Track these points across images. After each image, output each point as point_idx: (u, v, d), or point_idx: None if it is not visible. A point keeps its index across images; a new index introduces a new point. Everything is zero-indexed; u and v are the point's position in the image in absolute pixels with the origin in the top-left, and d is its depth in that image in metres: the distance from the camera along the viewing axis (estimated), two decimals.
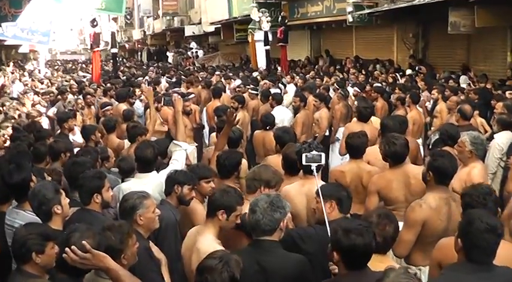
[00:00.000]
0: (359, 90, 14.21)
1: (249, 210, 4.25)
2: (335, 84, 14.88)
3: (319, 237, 4.53)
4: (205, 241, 4.45)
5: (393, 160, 6.12)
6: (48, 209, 4.79)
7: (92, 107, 13.68)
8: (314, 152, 4.95)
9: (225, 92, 15.36)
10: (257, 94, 14.26)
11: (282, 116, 11.55)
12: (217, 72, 23.10)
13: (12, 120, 10.50)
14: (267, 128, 9.09)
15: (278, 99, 12.37)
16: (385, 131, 7.25)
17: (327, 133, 11.52)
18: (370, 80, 17.63)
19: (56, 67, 41.51)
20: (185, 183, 5.43)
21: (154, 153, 6.40)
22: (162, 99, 7.90)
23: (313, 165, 4.85)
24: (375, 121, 9.55)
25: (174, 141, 6.90)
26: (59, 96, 14.97)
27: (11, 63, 32.29)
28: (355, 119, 9.75)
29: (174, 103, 7.37)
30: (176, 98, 7.45)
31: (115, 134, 9.70)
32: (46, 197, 4.79)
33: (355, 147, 6.72)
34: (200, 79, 19.49)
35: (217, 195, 4.65)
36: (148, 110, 10.29)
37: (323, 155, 4.94)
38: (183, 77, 21.22)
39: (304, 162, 4.88)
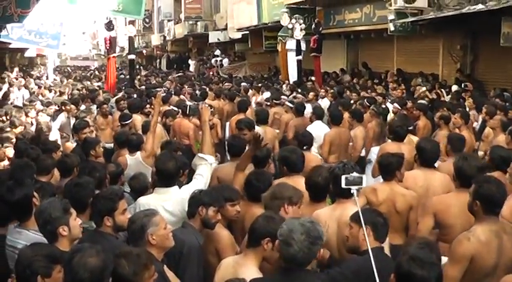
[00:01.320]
0: (399, 107, 14.17)
1: (282, 242, 4.14)
2: (365, 100, 14.88)
3: (364, 270, 4.38)
4: (249, 273, 4.46)
5: (462, 181, 6.05)
6: (53, 229, 4.78)
7: (110, 117, 13.86)
8: (355, 174, 4.92)
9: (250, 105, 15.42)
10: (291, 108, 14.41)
11: (319, 132, 11.27)
12: (243, 84, 23.23)
13: (15, 130, 10.65)
14: (304, 148, 8.89)
15: (319, 114, 12.34)
16: (422, 155, 7.30)
17: (363, 153, 11.46)
18: (412, 96, 17.55)
19: (65, 74, 41.85)
20: (211, 204, 5.50)
21: (177, 166, 6.46)
22: (188, 108, 7.90)
23: (354, 189, 4.85)
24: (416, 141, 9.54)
25: (199, 154, 6.88)
26: (63, 107, 14.81)
27: (16, 69, 32.26)
28: (389, 140, 9.79)
29: (200, 112, 7.37)
30: (203, 107, 7.47)
31: (127, 149, 9.77)
32: (52, 216, 4.77)
33: (386, 168, 6.76)
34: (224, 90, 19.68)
35: (261, 222, 4.65)
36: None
37: (364, 177, 4.91)
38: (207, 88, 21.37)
39: (343, 185, 4.85)
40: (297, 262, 4.11)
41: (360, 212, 4.60)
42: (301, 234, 4.09)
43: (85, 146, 8.92)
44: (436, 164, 7.54)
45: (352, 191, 4.76)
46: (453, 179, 6.31)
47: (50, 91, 22.29)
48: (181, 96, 18.27)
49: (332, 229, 5.48)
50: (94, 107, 15.51)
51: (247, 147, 7.47)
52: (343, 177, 4.81)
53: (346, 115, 12.34)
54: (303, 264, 4.14)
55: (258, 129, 10.14)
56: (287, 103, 14.85)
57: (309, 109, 14.06)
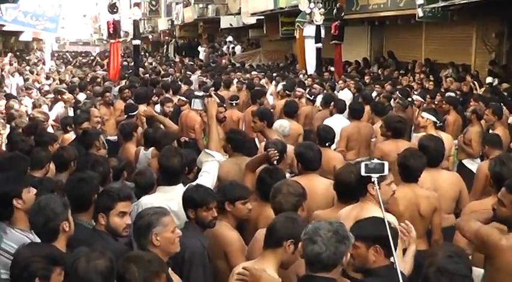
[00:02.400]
0: (421, 100, 14.16)
1: (307, 240, 4.11)
2: (397, 92, 14.80)
3: None
4: (267, 277, 4.47)
5: (497, 184, 5.99)
6: (56, 225, 4.80)
7: (111, 107, 13.89)
8: (376, 160, 4.90)
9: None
10: (311, 100, 14.47)
11: (339, 127, 10.98)
12: (254, 72, 23.22)
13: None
14: (326, 144, 8.85)
15: (340, 107, 12.25)
16: (426, 154, 7.09)
17: None
18: (441, 89, 17.52)
19: (64, 60, 41.85)
20: (197, 206, 5.51)
21: (182, 163, 6.50)
22: (193, 101, 7.86)
23: (374, 177, 4.80)
24: (446, 138, 9.50)
25: (206, 150, 6.95)
26: (59, 96, 14.70)
27: (10, 54, 31.97)
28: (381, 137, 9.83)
29: (207, 106, 7.42)
30: (210, 100, 7.45)
31: (133, 142, 9.86)
32: (55, 212, 4.80)
33: (409, 169, 6.69)
34: (236, 80, 19.75)
35: (284, 223, 4.64)
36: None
37: (386, 164, 4.88)
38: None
39: (363, 172, 4.81)
40: (322, 263, 4.05)
41: (383, 211, 4.55)
42: (328, 231, 4.07)
43: (86, 138, 8.89)
44: (472, 164, 7.49)
45: (372, 180, 4.79)
46: (490, 184, 6.31)
47: (48, 78, 22.30)
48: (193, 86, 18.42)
49: None
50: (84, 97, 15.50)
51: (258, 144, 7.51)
52: (362, 164, 4.86)
53: (368, 109, 12.41)
54: (328, 267, 4.08)
55: (284, 122, 10.20)
56: (306, 95, 14.92)
57: (319, 101, 14.16)
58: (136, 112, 12.09)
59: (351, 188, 5.94)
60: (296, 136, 10.75)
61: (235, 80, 19.78)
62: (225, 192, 5.87)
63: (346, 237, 4.09)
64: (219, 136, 7.52)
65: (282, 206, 5.40)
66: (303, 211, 5.49)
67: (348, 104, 12.51)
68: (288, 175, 7.98)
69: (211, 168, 6.71)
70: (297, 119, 12.40)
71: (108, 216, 5.18)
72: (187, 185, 5.99)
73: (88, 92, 16.91)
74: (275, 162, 6.78)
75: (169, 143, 8.55)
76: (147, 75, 23.09)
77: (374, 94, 16.14)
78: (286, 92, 15.53)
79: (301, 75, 21.91)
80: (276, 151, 6.75)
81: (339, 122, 11.49)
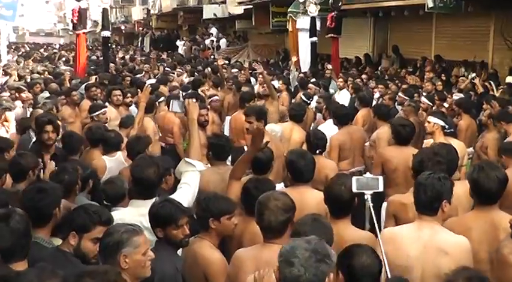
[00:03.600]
0: (429, 103, 13.97)
1: (283, 262, 4.02)
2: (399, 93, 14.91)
3: None
4: None
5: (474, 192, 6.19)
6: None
7: (77, 108, 13.70)
8: (368, 175, 4.92)
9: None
10: (309, 103, 14.45)
11: (334, 132, 11.13)
12: (234, 70, 22.97)
13: None
14: (317, 151, 8.99)
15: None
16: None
17: None
18: (453, 89, 17.52)
19: (23, 53, 41.61)
20: (166, 224, 5.53)
21: (159, 174, 6.51)
22: (171, 102, 7.90)
23: (368, 193, 4.82)
24: (457, 145, 9.51)
25: (186, 158, 6.88)
26: (17, 94, 14.56)
27: None
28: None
29: (187, 109, 7.41)
30: (190, 103, 7.44)
31: (101, 148, 9.71)
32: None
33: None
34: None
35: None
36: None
37: (380, 178, 4.89)
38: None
39: (354, 189, 4.85)
40: None
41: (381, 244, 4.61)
42: (305, 251, 3.98)
43: (71, 141, 9.01)
44: None
45: (366, 197, 4.85)
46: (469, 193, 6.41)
47: (5, 74, 22.14)
48: (174, 83, 18.41)
49: (416, 254, 5.46)
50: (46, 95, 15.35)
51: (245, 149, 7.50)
52: (353, 179, 4.87)
53: (363, 112, 12.49)
54: None
55: (275, 127, 10.33)
56: (302, 97, 15.01)
57: (313, 104, 14.20)
58: (99, 112, 11.82)
59: (342, 203, 5.98)
60: (300, 144, 10.69)
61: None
62: (208, 206, 5.87)
63: (327, 256, 4.01)
64: (200, 143, 7.52)
65: (271, 224, 5.31)
66: (292, 226, 5.40)
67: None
68: (280, 186, 8.01)
69: (192, 179, 6.66)
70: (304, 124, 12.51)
71: (80, 238, 5.17)
72: (154, 201, 6.02)
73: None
74: (262, 169, 6.86)
75: (143, 149, 8.52)
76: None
77: (377, 95, 16.23)
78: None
79: (293, 73, 21.93)
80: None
81: (333, 128, 11.42)
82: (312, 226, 5.03)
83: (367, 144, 11.30)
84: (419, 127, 11.52)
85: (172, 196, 6.31)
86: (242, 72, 21.40)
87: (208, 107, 12.82)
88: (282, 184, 8.96)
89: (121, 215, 6.22)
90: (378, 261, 4.43)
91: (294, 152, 7.75)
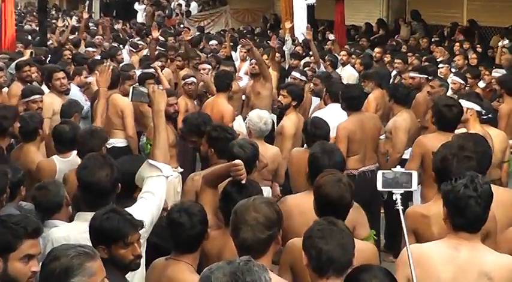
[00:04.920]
0: (461, 81, 14.13)
1: None
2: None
3: None
4: None
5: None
6: None
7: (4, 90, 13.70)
8: (398, 169, 4.86)
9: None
10: (306, 82, 14.87)
11: (337, 120, 11.18)
12: (212, 41, 23.31)
13: None
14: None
15: (336, 93, 12.01)
16: None
17: (407, 155, 11.09)
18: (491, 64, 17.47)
19: None
20: (116, 239, 5.56)
21: (113, 178, 6.40)
22: (132, 90, 7.66)
23: (397, 193, 4.83)
24: (496, 136, 9.41)
25: (149, 160, 6.74)
26: None
27: None
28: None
29: (151, 97, 7.24)
30: (156, 90, 7.31)
31: (37, 144, 9.77)
32: None
33: (446, 173, 6.51)
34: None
35: None
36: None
37: (414, 174, 5.01)
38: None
39: (380, 187, 4.94)
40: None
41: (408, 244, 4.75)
42: (223, 275, 4.03)
43: None
44: None
45: (394, 197, 4.97)
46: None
47: None
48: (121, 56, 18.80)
49: (449, 277, 5.51)
50: None
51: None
52: (379, 174, 5.06)
53: (375, 94, 12.60)
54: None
55: (263, 114, 10.50)
56: (296, 75, 15.44)
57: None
58: (33, 97, 11.78)
59: (342, 207, 6.14)
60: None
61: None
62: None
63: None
64: (169, 141, 7.66)
65: (246, 242, 5.31)
66: (277, 244, 5.46)
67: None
68: (267, 190, 7.93)
69: (157, 187, 6.54)
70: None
71: (6, 260, 4.97)
72: (95, 213, 5.81)
73: None
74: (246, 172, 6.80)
75: (98, 147, 8.50)
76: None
77: (393, 73, 16.19)
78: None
79: (287, 45, 21.76)
80: (240, 169, 6.69)
81: (334, 115, 11.51)
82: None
83: (382, 136, 11.43)
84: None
85: (130, 209, 6.16)
86: (223, 45, 21.37)
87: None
88: (269, 189, 8.95)
89: (65, 232, 6.26)
90: None
91: (317, 148, 7.83)
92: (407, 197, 8.11)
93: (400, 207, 4.81)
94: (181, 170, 11.03)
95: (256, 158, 7.75)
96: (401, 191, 4.84)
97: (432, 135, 9.39)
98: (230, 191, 6.51)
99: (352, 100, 11.18)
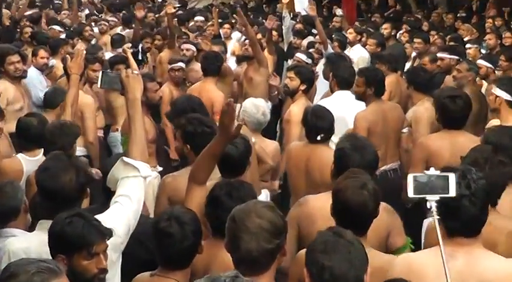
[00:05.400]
0: (488, 65, 13.84)
1: None
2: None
3: None
4: None
5: None
6: None
7: None
8: (432, 172, 4.94)
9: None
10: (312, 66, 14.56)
11: (344, 111, 10.92)
12: (198, 17, 23.58)
13: None
14: (318, 137, 9.01)
15: (344, 78, 11.81)
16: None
17: None
18: None
19: None
20: (79, 247, 5.39)
21: (78, 183, 6.19)
22: (101, 75, 7.42)
23: (432, 200, 4.86)
24: None
25: (124, 158, 6.46)
26: None
27: None
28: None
29: (124, 84, 6.88)
30: (130, 75, 6.94)
31: None
32: None
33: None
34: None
35: None
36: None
37: (452, 177, 4.97)
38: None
39: (411, 193, 4.92)
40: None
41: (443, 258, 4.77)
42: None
43: None
44: None
45: (429, 205, 4.96)
46: None
47: None
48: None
49: None
50: None
51: None
52: (409, 178, 4.98)
53: (390, 79, 12.67)
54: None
55: (259, 103, 10.80)
56: (301, 57, 15.29)
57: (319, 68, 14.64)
58: None
59: (360, 216, 6.10)
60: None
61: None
62: None
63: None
64: (147, 136, 7.44)
65: (250, 255, 5.06)
66: (283, 256, 5.27)
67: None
68: (264, 195, 7.70)
69: (134, 190, 6.31)
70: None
71: None
72: (56, 216, 5.60)
73: None
74: (234, 169, 7.25)
75: (69, 145, 8.55)
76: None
77: (413, 54, 16.00)
78: None
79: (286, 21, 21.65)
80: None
81: (343, 104, 11.27)
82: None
83: (405, 130, 11.11)
84: (480, 103, 11.04)
85: (102, 215, 6.00)
86: (209, 22, 21.22)
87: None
88: (267, 192, 8.72)
89: (24, 243, 6.12)
90: None
91: (347, 138, 7.89)
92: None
93: (436, 217, 4.85)
94: (160, 168, 10.96)
95: (249, 153, 7.78)
96: (437, 197, 4.83)
97: (436, 135, 9.40)
98: (218, 194, 6.40)
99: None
